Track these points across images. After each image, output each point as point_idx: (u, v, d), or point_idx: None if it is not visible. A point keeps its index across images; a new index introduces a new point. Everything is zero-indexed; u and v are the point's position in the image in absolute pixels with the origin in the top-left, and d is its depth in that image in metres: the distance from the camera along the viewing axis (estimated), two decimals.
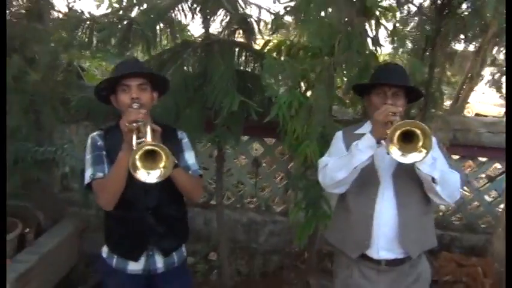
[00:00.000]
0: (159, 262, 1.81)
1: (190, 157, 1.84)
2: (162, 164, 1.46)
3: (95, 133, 1.78)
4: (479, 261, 3.07)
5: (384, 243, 1.78)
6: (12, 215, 3.21)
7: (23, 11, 2.89)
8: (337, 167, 1.76)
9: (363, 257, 1.83)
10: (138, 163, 1.45)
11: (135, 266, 1.79)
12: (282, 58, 2.58)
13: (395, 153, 1.54)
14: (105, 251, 1.87)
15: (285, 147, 2.63)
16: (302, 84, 2.37)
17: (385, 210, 1.77)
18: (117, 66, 1.76)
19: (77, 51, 2.82)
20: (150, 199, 1.75)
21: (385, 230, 1.77)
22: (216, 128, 2.46)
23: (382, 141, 1.63)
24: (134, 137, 1.51)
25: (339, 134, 1.94)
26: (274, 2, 2.54)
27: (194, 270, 3.26)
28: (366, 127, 1.86)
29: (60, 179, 3.74)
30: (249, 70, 2.69)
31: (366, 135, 1.69)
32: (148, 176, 1.47)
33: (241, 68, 2.68)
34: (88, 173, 1.69)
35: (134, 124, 1.52)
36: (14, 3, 2.93)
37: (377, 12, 2.33)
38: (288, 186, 3.61)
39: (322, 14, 2.01)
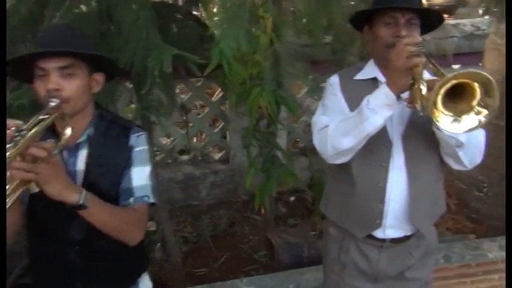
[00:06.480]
0: None
1: (139, 175, 1.23)
2: None
3: None
4: None
5: (392, 220, 1.44)
6: None
7: None
8: (341, 132, 1.33)
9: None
10: None
11: None
12: None
13: (445, 122, 1.09)
14: None
15: (230, 99, 2.08)
16: None
17: (397, 181, 1.41)
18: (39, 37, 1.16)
19: None
20: (76, 228, 1.19)
21: (394, 206, 1.43)
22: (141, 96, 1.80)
23: (403, 95, 1.23)
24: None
25: (334, 81, 1.48)
26: None
27: None
28: (370, 70, 1.45)
29: None
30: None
31: (381, 90, 1.25)
32: None
33: None
34: None
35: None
36: None
37: None
38: (224, 130, 3.13)
39: None
